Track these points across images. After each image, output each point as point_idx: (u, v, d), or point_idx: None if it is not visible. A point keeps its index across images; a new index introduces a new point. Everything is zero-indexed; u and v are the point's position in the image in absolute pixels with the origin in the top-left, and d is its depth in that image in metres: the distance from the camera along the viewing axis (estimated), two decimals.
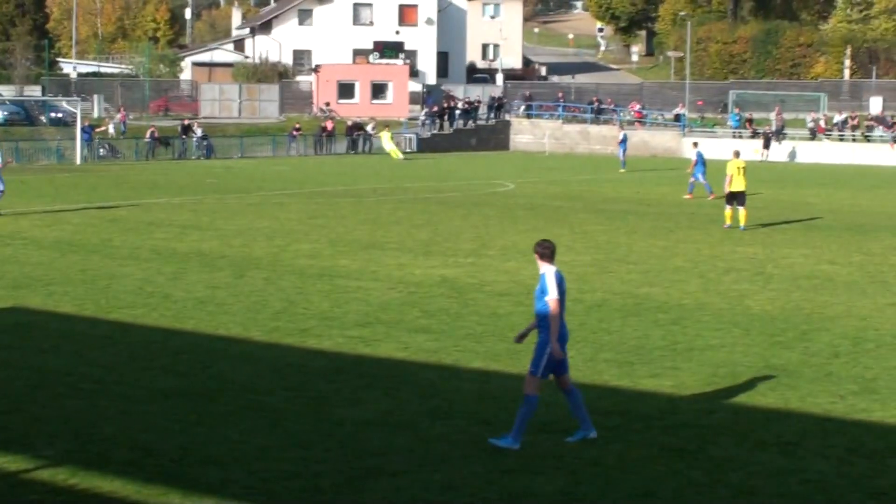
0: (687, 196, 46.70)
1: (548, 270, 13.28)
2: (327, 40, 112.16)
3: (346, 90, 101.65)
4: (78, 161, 66.22)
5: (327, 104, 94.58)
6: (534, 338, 13.51)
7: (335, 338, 19.04)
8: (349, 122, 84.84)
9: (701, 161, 46.59)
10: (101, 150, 71.24)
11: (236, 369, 17.01)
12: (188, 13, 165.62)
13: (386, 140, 74.96)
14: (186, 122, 78.61)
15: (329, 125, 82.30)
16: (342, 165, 67.06)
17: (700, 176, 46.57)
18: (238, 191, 47.70)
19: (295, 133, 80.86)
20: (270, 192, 47.08)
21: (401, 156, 73.53)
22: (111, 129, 77.70)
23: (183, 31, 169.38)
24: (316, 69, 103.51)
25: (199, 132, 76.12)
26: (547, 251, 13.41)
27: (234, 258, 27.98)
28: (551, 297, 13.14)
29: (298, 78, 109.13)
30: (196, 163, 69.87)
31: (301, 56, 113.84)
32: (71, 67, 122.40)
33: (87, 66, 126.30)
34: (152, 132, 74.12)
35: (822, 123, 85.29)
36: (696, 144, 50.56)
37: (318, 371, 17.02)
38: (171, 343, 18.67)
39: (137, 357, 17.71)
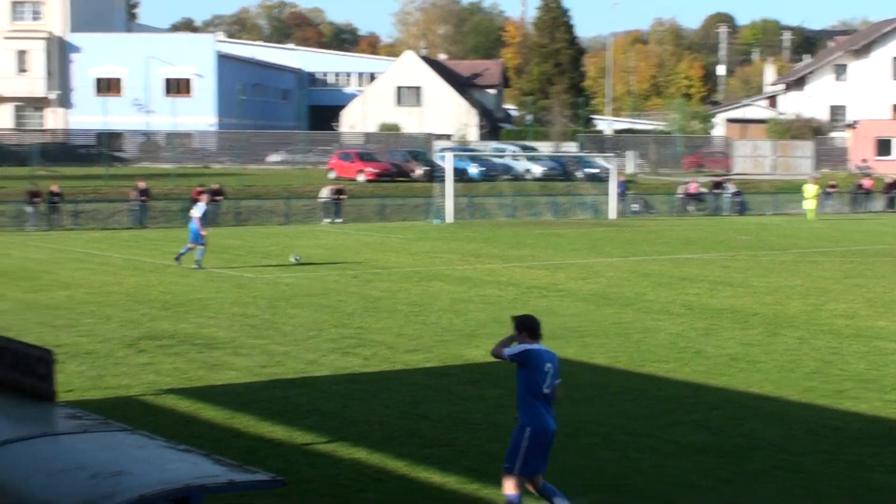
0: None
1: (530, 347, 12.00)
2: (864, 95, 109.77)
3: (883, 146, 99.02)
4: (612, 215, 67.57)
5: (864, 161, 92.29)
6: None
7: (872, 401, 18.39)
8: (887, 180, 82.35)
9: None
10: (635, 206, 72.38)
11: (769, 428, 16.73)
12: (721, 70, 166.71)
13: (810, 198, 69.93)
14: (719, 178, 78.68)
15: (867, 182, 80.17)
16: (880, 224, 65.02)
17: None
18: (771, 248, 47.18)
19: (830, 190, 79.30)
20: (804, 250, 46.24)
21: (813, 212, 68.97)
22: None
23: (716, 87, 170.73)
24: (852, 125, 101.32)
25: (731, 188, 75.94)
26: (525, 325, 12.09)
27: (766, 315, 27.63)
28: (502, 351, 11.93)
29: (833, 134, 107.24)
30: (728, 219, 69.70)
31: (836, 111, 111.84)
32: (605, 124, 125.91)
33: (621, 123, 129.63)
34: (686, 188, 74.63)
35: None
36: None
37: (854, 434, 16.47)
38: (702, 398, 18.60)
39: (669, 411, 17.76)
